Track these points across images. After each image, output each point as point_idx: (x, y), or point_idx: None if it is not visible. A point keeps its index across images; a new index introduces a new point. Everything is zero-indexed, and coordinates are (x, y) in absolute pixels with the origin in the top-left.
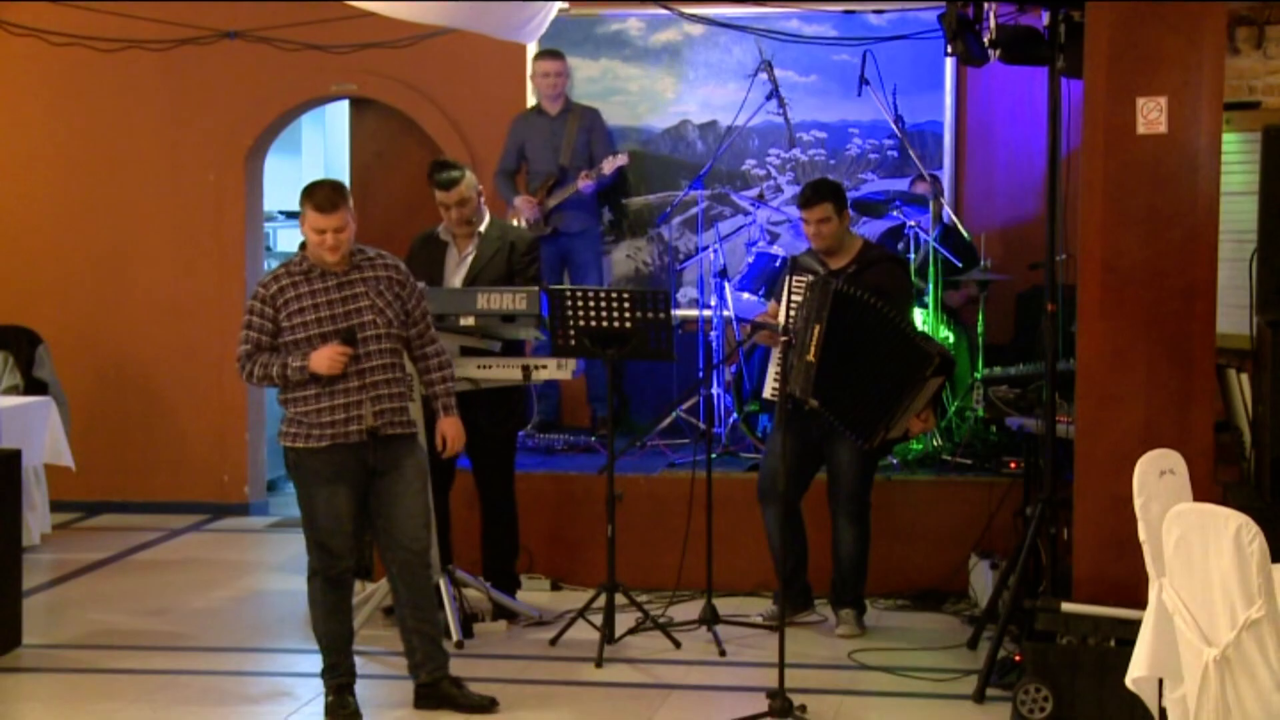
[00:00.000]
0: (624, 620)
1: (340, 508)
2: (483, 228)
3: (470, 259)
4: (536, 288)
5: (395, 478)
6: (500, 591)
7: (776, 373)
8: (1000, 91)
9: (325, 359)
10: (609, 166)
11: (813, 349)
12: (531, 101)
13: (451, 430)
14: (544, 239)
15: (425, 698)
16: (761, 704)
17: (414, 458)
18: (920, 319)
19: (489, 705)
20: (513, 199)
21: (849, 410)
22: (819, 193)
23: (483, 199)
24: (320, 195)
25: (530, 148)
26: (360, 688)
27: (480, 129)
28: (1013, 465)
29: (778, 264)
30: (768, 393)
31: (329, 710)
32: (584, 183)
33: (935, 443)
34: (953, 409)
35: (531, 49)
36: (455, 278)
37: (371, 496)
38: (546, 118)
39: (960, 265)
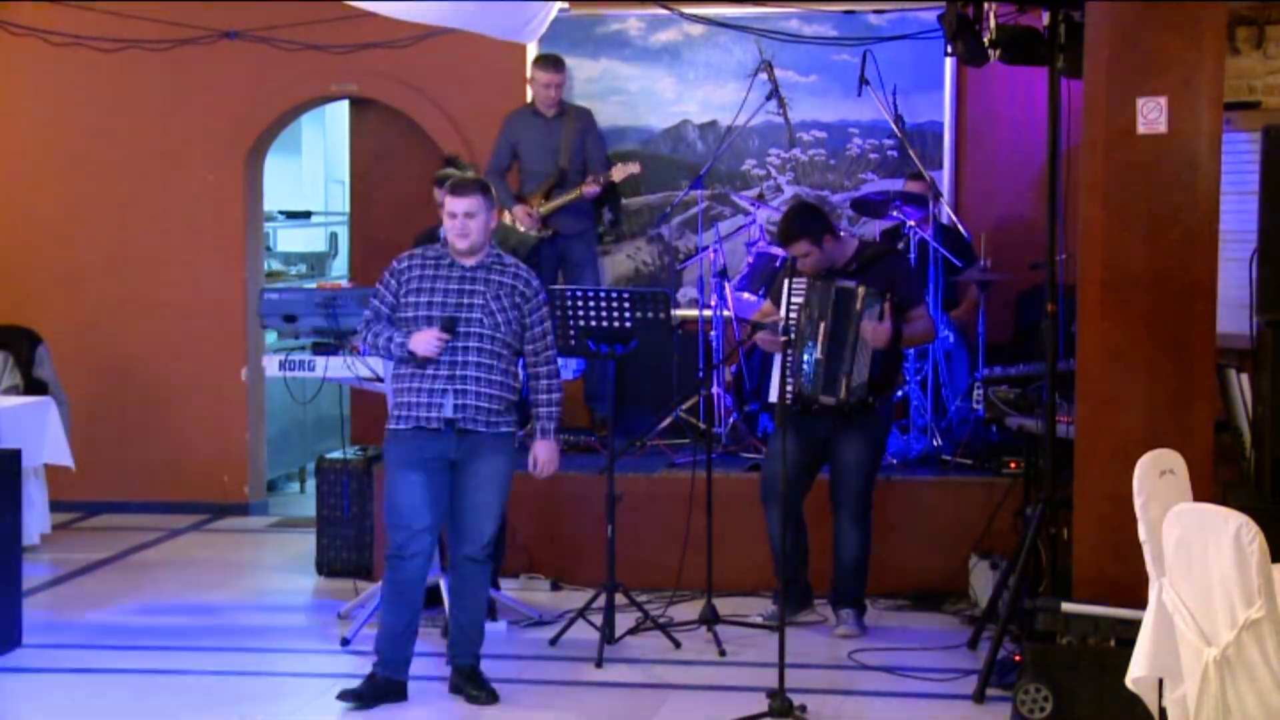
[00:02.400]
0: (624, 620)
1: (413, 494)
2: None
3: None
4: None
5: (470, 473)
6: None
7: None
8: (1000, 91)
9: (422, 340)
10: (619, 174)
11: (821, 347)
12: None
13: (544, 453)
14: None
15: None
16: (761, 704)
17: (495, 457)
18: None
19: (486, 699)
20: (510, 203)
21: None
22: (792, 231)
23: None
24: (456, 180)
25: (524, 148)
26: None
27: (480, 129)
28: (1013, 465)
29: (778, 264)
30: (774, 397)
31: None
32: (590, 189)
33: (935, 443)
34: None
35: (531, 49)
36: None
37: (452, 488)
38: (542, 119)
39: (960, 265)
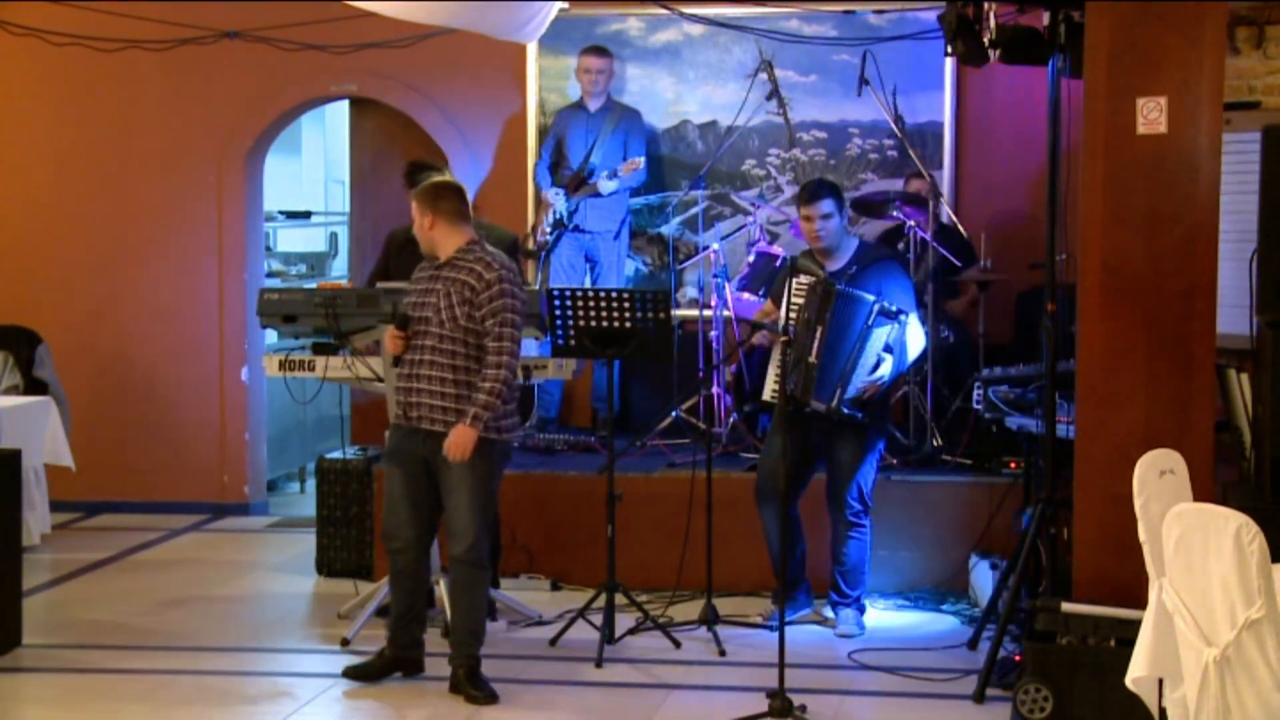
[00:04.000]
0: (624, 620)
1: (393, 487)
2: None
3: None
4: (536, 287)
5: (443, 474)
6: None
7: (777, 374)
8: (1000, 91)
9: (385, 338)
10: (625, 170)
11: (815, 351)
12: (533, 100)
13: (452, 435)
14: (568, 233)
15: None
16: (761, 704)
17: (465, 459)
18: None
19: (485, 699)
20: (546, 190)
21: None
22: (823, 187)
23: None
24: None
25: (568, 142)
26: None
27: (480, 129)
28: (1013, 465)
29: (778, 264)
30: (768, 395)
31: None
32: (603, 184)
33: (935, 442)
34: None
35: (531, 49)
36: None
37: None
38: (586, 113)
39: (960, 265)
